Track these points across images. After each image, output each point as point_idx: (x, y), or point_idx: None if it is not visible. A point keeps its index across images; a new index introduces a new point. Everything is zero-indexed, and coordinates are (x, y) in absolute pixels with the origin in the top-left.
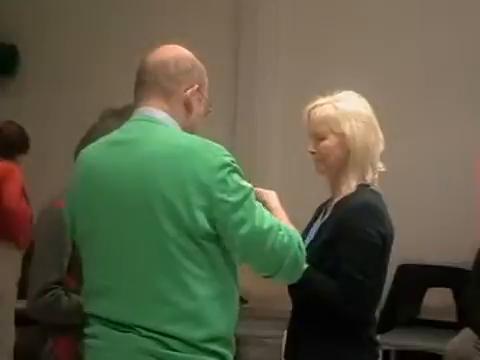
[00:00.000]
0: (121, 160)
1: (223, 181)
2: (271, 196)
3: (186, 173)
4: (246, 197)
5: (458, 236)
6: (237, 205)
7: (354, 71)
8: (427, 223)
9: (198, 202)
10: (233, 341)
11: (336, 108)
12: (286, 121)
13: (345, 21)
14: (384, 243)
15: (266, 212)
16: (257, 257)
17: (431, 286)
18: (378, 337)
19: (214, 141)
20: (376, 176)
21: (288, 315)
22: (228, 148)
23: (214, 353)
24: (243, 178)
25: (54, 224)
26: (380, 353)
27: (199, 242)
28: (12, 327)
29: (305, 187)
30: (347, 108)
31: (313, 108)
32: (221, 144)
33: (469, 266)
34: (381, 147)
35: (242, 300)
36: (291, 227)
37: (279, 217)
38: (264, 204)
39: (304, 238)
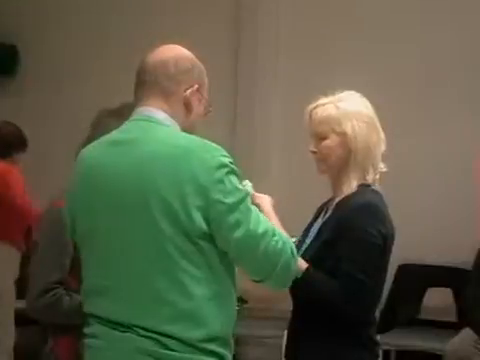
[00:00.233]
0: (120, 160)
1: (220, 182)
2: (264, 200)
3: (184, 173)
4: (242, 200)
5: (458, 236)
6: (233, 207)
7: (354, 71)
8: (427, 223)
9: (195, 202)
10: (231, 341)
11: (338, 108)
12: (286, 121)
13: (345, 21)
14: (385, 243)
15: (262, 216)
16: (249, 261)
17: (431, 286)
18: (378, 337)
19: (214, 141)
20: (377, 176)
21: (288, 315)
22: (228, 148)
23: (212, 353)
24: (240, 180)
25: (55, 224)
26: (380, 353)
27: (196, 242)
28: (12, 327)
29: (305, 187)
30: (349, 108)
31: (315, 108)
32: (221, 144)
33: (469, 266)
34: (383, 147)
35: (242, 300)
36: (283, 232)
37: (271, 221)
38: (256, 207)
39: (304, 238)
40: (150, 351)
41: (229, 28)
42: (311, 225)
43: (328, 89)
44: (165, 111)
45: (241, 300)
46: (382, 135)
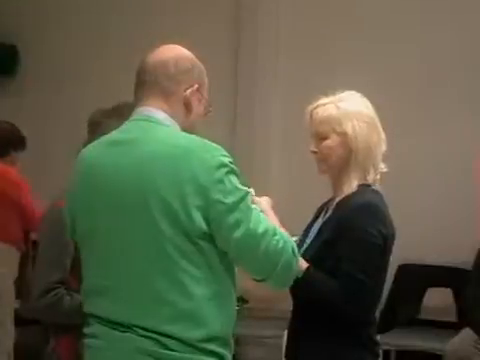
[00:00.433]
0: (120, 160)
1: (220, 181)
2: (263, 201)
3: (184, 173)
4: (242, 199)
5: (458, 236)
6: (233, 207)
7: (354, 71)
8: (427, 223)
9: (195, 202)
10: (231, 341)
11: (338, 108)
12: (286, 121)
13: (345, 21)
14: (385, 243)
15: (263, 216)
16: (250, 260)
17: (431, 286)
18: (378, 337)
19: (214, 141)
20: (378, 176)
21: (288, 315)
22: (228, 148)
23: (212, 353)
24: (240, 180)
25: (55, 224)
26: (380, 353)
27: (196, 242)
28: (12, 327)
29: (305, 187)
30: (349, 108)
31: (315, 108)
32: (221, 144)
33: (469, 266)
34: (383, 147)
35: (243, 300)
36: (284, 232)
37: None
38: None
39: (305, 237)
40: (150, 351)
41: (229, 28)
42: (311, 225)
43: (328, 89)
44: (165, 111)
45: (241, 300)
46: (383, 135)
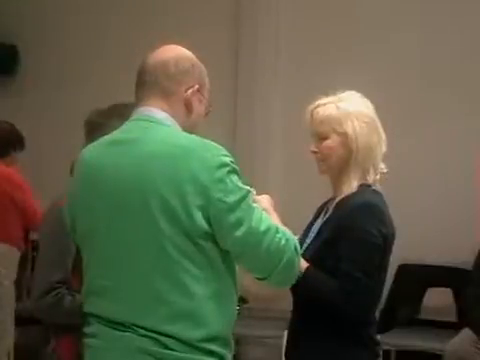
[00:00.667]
0: (120, 160)
1: (221, 181)
2: (262, 198)
3: (184, 173)
4: (244, 198)
5: (458, 236)
6: (234, 206)
7: (354, 70)
8: (427, 223)
9: (195, 201)
10: (231, 341)
11: (338, 108)
12: (286, 121)
13: (345, 21)
14: (385, 243)
15: (264, 214)
16: (251, 258)
17: (431, 286)
18: (378, 337)
19: (214, 141)
20: (378, 177)
21: (288, 315)
22: (228, 148)
23: (212, 353)
24: (241, 179)
25: (56, 224)
26: (381, 353)
27: (196, 241)
28: (12, 327)
29: (305, 187)
30: (349, 108)
31: (316, 108)
32: (221, 144)
33: (469, 266)
34: (383, 148)
35: (243, 300)
36: (287, 230)
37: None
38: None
39: (305, 237)
40: (150, 351)
41: (229, 28)
42: (311, 225)
43: (328, 89)
44: (165, 111)
45: (242, 300)
46: (383, 135)
